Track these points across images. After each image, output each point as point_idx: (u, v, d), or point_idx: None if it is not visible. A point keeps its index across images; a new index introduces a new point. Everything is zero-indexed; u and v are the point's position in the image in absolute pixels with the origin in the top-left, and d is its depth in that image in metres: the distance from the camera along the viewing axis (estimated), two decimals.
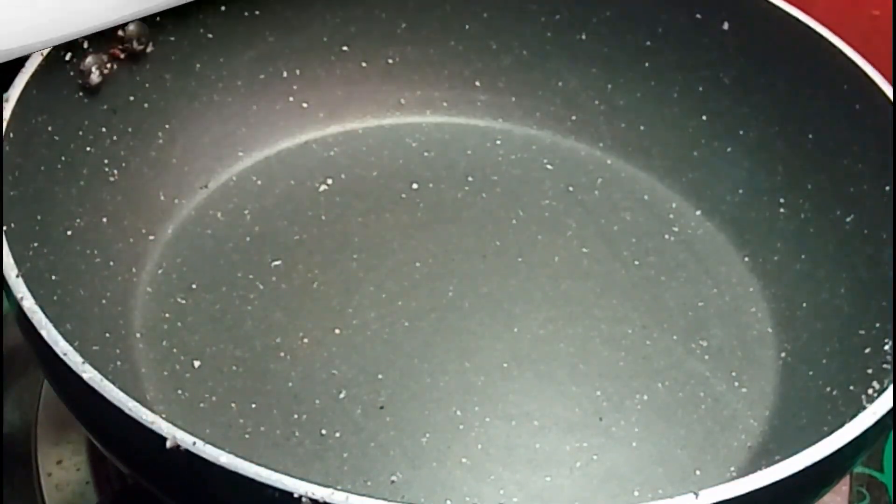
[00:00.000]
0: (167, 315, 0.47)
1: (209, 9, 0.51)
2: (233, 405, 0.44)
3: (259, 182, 0.53)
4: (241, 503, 0.32)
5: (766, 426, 0.45)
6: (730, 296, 0.50)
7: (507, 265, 0.51)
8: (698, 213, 0.54)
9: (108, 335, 0.44)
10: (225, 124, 0.53)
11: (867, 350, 0.43)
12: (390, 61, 0.57)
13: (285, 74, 0.55)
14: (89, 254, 0.45)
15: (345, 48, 0.56)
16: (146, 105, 0.50)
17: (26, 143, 0.43)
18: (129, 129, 0.49)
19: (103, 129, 0.48)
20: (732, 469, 0.44)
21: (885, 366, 0.41)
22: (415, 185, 0.54)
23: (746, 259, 0.52)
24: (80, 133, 0.46)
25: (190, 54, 0.51)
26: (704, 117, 0.55)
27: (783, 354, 0.48)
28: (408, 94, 0.57)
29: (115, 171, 0.48)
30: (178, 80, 0.51)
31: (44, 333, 0.35)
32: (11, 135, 0.41)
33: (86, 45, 0.46)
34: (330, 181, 0.54)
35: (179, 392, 0.44)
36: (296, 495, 0.30)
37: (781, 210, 0.52)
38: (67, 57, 0.45)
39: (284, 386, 0.44)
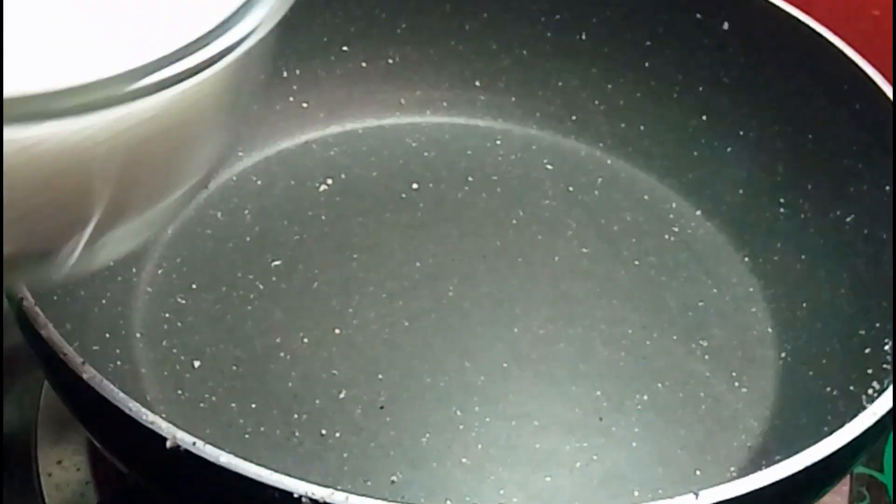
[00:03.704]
0: (167, 315, 0.47)
1: None
2: (233, 405, 0.43)
3: (259, 182, 0.53)
4: (240, 503, 0.32)
5: (766, 426, 0.45)
6: (730, 296, 0.50)
7: (507, 265, 0.51)
8: (698, 213, 0.54)
9: (108, 335, 0.44)
10: None
11: (867, 350, 0.43)
12: (390, 61, 0.57)
13: (285, 74, 0.55)
14: None
15: (345, 48, 0.56)
16: None
17: None
18: None
19: None
20: (732, 469, 0.43)
21: (885, 366, 0.41)
22: (415, 186, 0.54)
23: (746, 259, 0.52)
24: None
25: None
26: (704, 117, 0.55)
27: (783, 354, 0.48)
28: (408, 94, 0.57)
29: None
30: None
31: (44, 333, 0.35)
32: None
33: None
34: (330, 181, 0.54)
35: (179, 392, 0.44)
36: (296, 495, 0.30)
37: (781, 210, 0.51)
38: None
39: (284, 386, 0.44)
